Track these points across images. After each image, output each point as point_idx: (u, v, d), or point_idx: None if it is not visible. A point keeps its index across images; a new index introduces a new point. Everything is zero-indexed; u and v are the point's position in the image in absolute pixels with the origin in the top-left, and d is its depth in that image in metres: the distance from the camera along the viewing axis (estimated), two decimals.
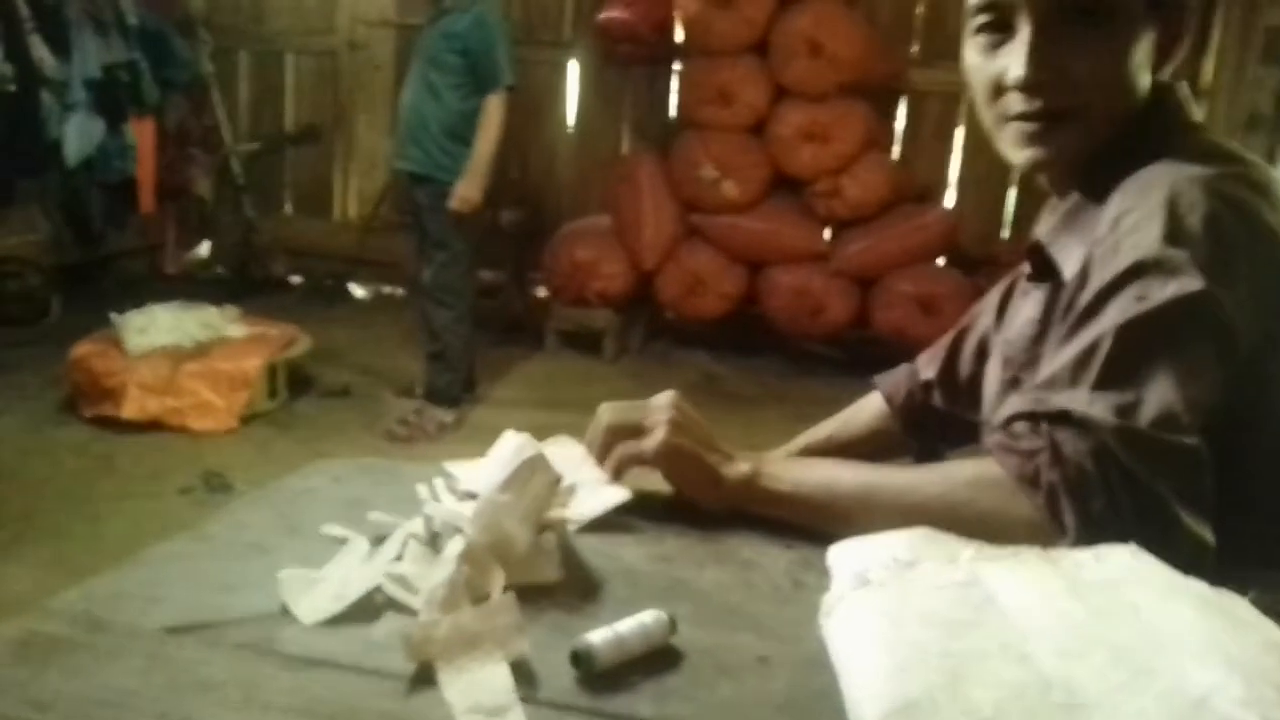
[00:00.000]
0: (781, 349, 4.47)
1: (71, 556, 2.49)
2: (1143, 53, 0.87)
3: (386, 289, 5.28)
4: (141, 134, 4.70)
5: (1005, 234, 4.62)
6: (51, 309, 4.32)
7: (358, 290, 5.30)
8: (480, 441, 3.32)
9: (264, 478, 2.96)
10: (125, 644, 0.67)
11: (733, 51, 4.17)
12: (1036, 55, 0.84)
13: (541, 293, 4.79)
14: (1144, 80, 0.88)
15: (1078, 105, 0.86)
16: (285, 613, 0.71)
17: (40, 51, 4.23)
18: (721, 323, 4.42)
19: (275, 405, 3.54)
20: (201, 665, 0.64)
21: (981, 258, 4.34)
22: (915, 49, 4.60)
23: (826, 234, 4.33)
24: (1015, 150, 0.90)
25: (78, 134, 4.37)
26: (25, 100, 4.17)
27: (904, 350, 4.66)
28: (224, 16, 5.26)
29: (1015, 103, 0.87)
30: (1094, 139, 0.88)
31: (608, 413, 0.95)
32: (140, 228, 5.00)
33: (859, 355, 4.25)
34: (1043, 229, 0.96)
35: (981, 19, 0.89)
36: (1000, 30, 0.87)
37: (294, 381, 3.68)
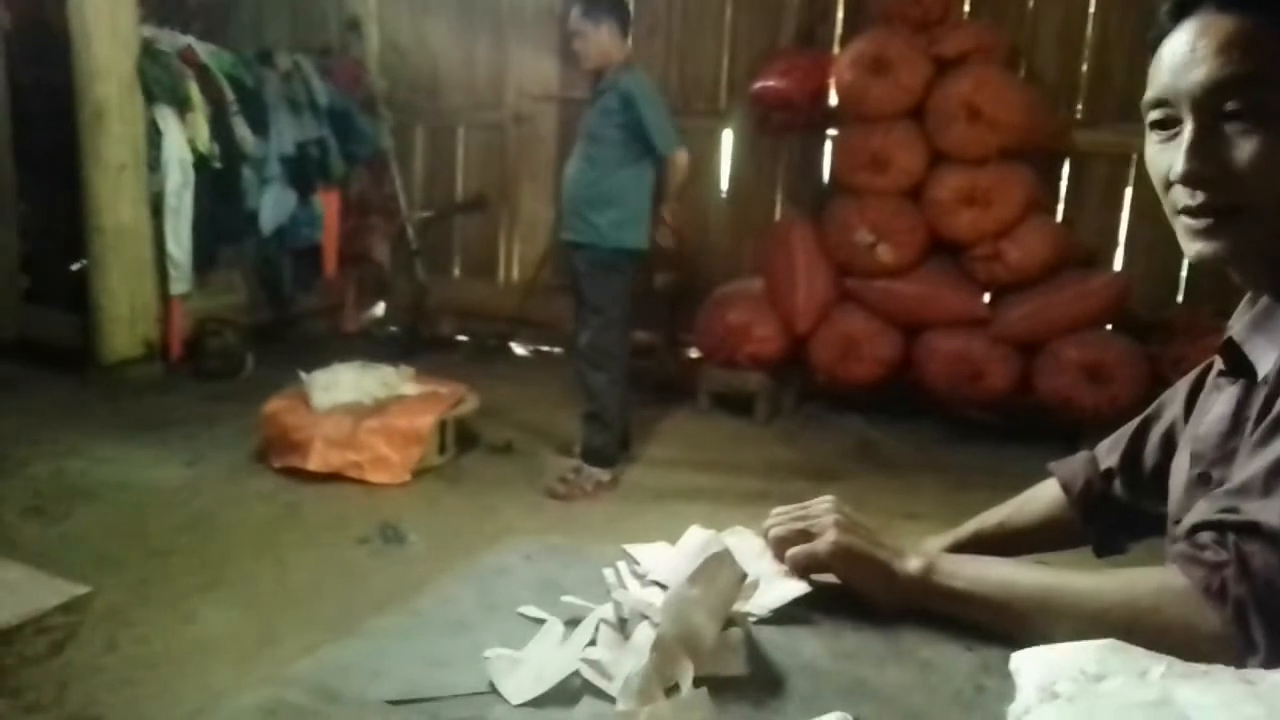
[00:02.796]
0: (939, 414, 4.36)
1: (260, 601, 2.68)
2: None
3: (545, 348, 5.48)
4: (327, 204, 5.09)
5: (1179, 298, 4.41)
6: (246, 364, 4.68)
7: (519, 349, 5.52)
8: (635, 501, 3.41)
9: (435, 530, 3.13)
10: (357, 715, 0.75)
11: (889, 117, 4.17)
12: (1196, 150, 0.84)
13: (694, 354, 4.86)
14: None
15: (1242, 202, 0.85)
16: (492, 691, 0.77)
17: (242, 131, 4.64)
18: (876, 387, 4.35)
19: (444, 460, 3.72)
20: None
21: (1153, 324, 4.14)
22: (1079, 109, 4.49)
23: (986, 298, 4.23)
24: (1185, 243, 0.90)
25: (273, 205, 4.77)
26: (228, 175, 4.58)
27: (1069, 419, 4.41)
28: (403, 94, 5.65)
29: (1180, 196, 0.87)
30: (1269, 238, 0.86)
31: (772, 523, 0.98)
32: (322, 290, 5.38)
33: (1021, 423, 4.11)
34: (1238, 324, 0.94)
35: (1154, 115, 0.89)
36: (1172, 125, 0.88)
37: (461, 437, 3.85)
